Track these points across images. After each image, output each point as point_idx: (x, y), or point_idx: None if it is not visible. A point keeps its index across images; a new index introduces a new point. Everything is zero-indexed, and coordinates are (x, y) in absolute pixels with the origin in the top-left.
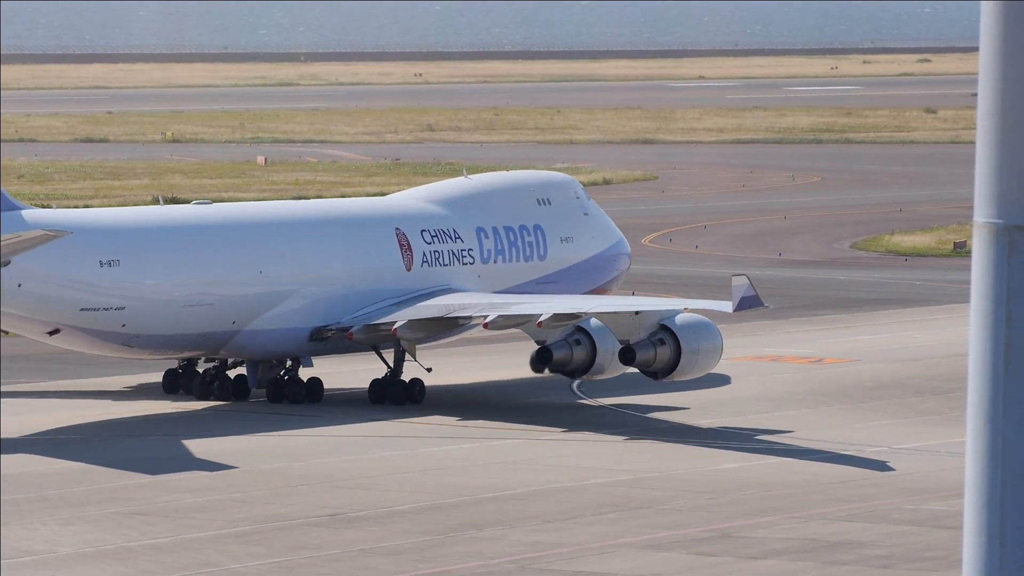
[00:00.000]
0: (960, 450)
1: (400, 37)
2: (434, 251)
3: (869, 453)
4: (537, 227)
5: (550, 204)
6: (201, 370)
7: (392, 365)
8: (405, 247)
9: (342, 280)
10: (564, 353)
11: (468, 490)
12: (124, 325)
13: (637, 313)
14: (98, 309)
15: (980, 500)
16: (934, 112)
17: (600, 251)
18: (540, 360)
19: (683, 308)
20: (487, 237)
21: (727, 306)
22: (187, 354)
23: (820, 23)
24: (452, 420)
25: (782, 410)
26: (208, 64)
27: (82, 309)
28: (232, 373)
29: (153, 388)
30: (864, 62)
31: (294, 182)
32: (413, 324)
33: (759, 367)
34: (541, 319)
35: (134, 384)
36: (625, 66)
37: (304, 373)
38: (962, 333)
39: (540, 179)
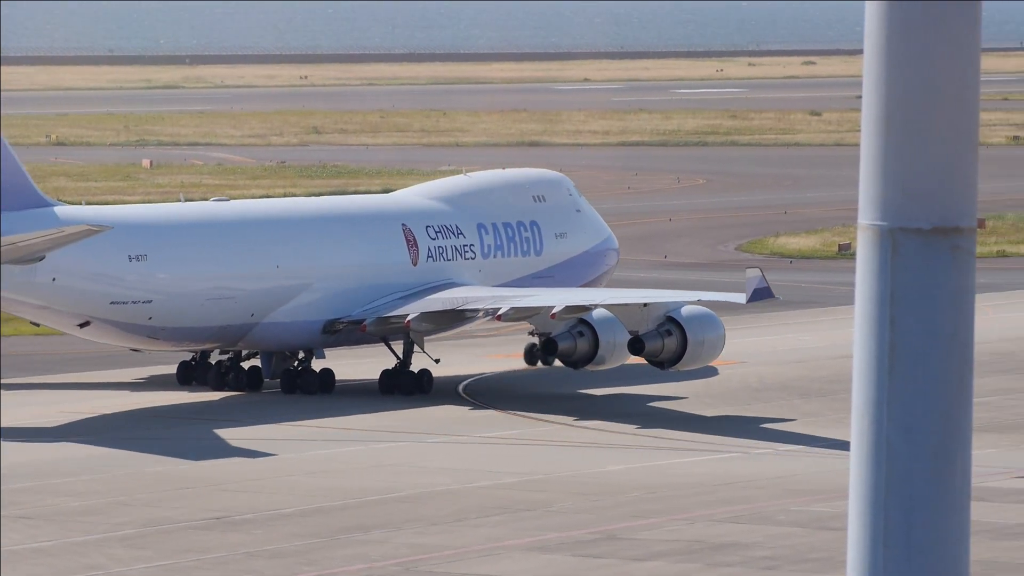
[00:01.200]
0: (844, 452)
1: (285, 40)
2: (438, 246)
3: (754, 455)
4: (533, 223)
5: (545, 201)
6: (214, 362)
7: (401, 356)
8: (411, 242)
9: (353, 274)
10: (568, 344)
11: (354, 493)
12: (151, 318)
13: (645, 305)
14: (127, 302)
15: (864, 502)
16: (819, 115)
17: (591, 247)
18: (546, 351)
19: (696, 300)
20: (487, 233)
21: (740, 298)
22: (207, 346)
23: (705, 25)
24: (334, 423)
25: (659, 410)
26: (93, 67)
27: (112, 302)
28: (246, 364)
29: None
30: (749, 64)
31: (179, 185)
32: (425, 316)
33: (646, 369)
34: (555, 311)
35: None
36: (511, 68)
37: (310, 364)
38: (847, 335)
39: (535, 176)
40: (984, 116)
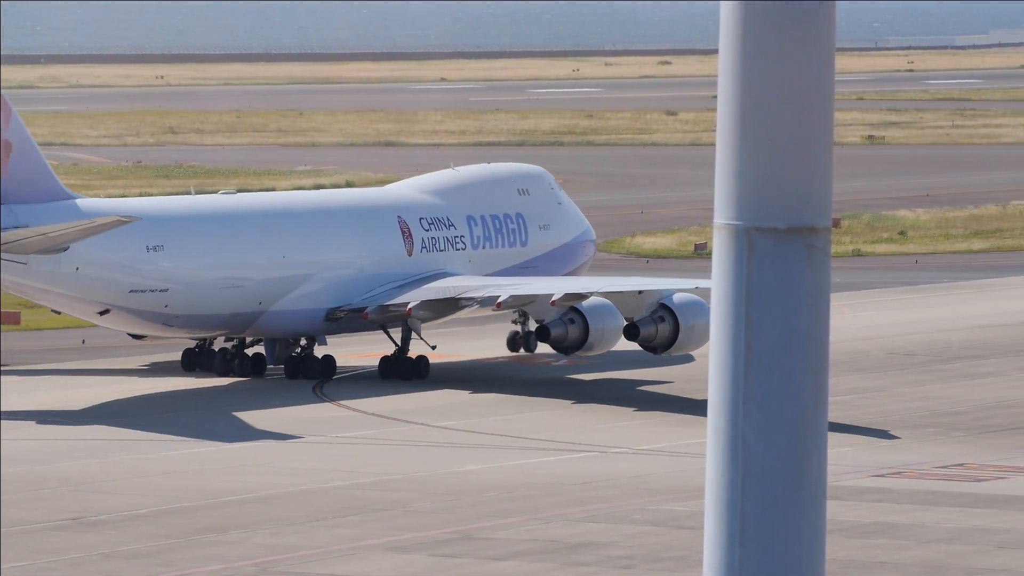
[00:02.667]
0: (701, 451)
1: (141, 39)
2: (431, 238)
3: (611, 454)
4: (519, 215)
5: (529, 194)
6: (217, 348)
7: (400, 343)
8: (406, 234)
9: (354, 264)
10: (560, 331)
11: (210, 493)
12: (167, 306)
13: (640, 293)
14: (145, 291)
15: (720, 501)
16: (675, 114)
17: (572, 238)
18: (539, 337)
19: (693, 287)
20: (476, 225)
21: None
22: (218, 332)
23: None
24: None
25: (525, 411)
26: None
27: (131, 291)
28: (250, 351)
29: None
30: (606, 64)
31: None
32: (425, 304)
33: (502, 367)
34: (554, 298)
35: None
36: (367, 68)
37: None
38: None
39: (519, 171)
40: (839, 116)
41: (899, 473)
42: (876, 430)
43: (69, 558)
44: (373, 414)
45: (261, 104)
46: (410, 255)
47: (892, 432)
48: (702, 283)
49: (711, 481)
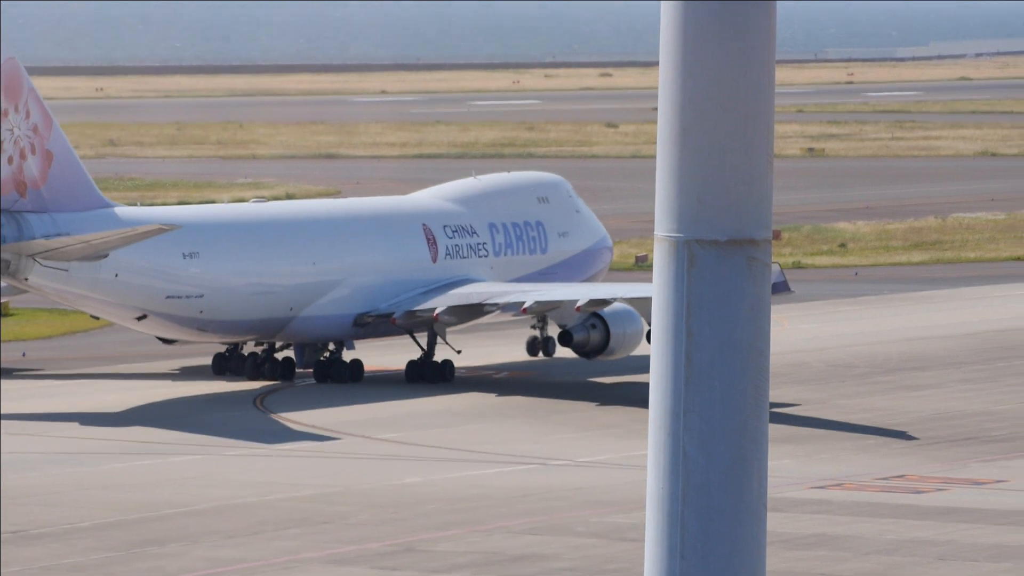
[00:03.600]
0: (642, 463)
1: (81, 51)
2: (455, 245)
3: (553, 466)
4: (539, 223)
5: (548, 202)
6: (247, 353)
7: (426, 347)
8: (431, 241)
9: (381, 270)
10: (583, 336)
11: (151, 506)
12: (201, 311)
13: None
14: (181, 297)
15: (662, 513)
16: (615, 126)
17: (590, 245)
18: (562, 342)
19: None
20: (498, 232)
21: None
22: (249, 337)
23: (503, 36)
24: (127, 435)
25: (465, 424)
26: None
27: (168, 296)
28: (279, 355)
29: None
30: (546, 76)
31: None
32: (451, 310)
33: (431, 384)
34: (579, 304)
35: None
36: (308, 80)
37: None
38: (643, 347)
39: (539, 179)
40: (779, 128)
41: (839, 485)
42: (818, 441)
43: (9, 571)
44: (314, 426)
45: (202, 116)
46: (435, 262)
47: (835, 443)
48: None
49: (652, 493)
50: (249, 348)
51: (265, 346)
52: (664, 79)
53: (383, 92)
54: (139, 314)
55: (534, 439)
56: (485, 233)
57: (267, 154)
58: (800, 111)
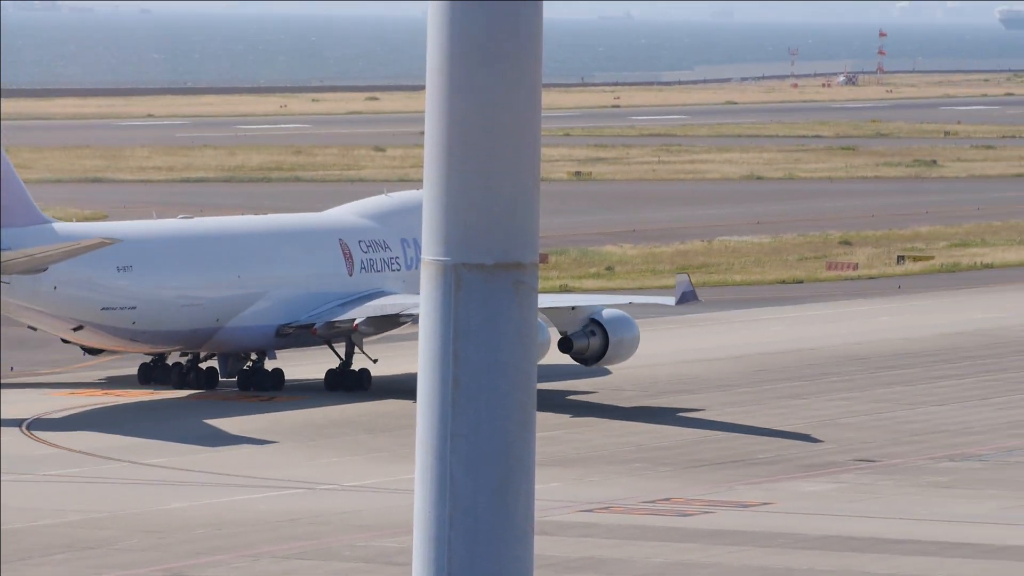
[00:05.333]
0: (409, 487)
1: None
2: (369, 259)
3: (319, 490)
4: None
5: None
6: (171, 363)
7: (344, 357)
8: (347, 256)
9: (301, 284)
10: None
11: None
12: (134, 322)
13: (573, 308)
14: (115, 308)
15: (429, 536)
16: (383, 150)
17: None
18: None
19: (627, 303)
20: (409, 247)
21: (670, 300)
22: (178, 347)
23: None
24: None
25: (228, 446)
26: None
27: (103, 308)
28: (204, 365)
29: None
30: (313, 100)
31: None
32: (370, 321)
33: (205, 405)
34: None
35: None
36: (74, 104)
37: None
38: (412, 369)
39: None
40: (546, 152)
41: (607, 508)
42: (585, 464)
43: None
44: (81, 451)
45: None
46: (351, 275)
47: (603, 466)
48: (636, 299)
49: (420, 516)
50: (173, 358)
51: (190, 356)
52: (430, 103)
53: (149, 116)
54: (76, 325)
55: (302, 463)
56: (397, 248)
57: (33, 178)
58: (567, 135)
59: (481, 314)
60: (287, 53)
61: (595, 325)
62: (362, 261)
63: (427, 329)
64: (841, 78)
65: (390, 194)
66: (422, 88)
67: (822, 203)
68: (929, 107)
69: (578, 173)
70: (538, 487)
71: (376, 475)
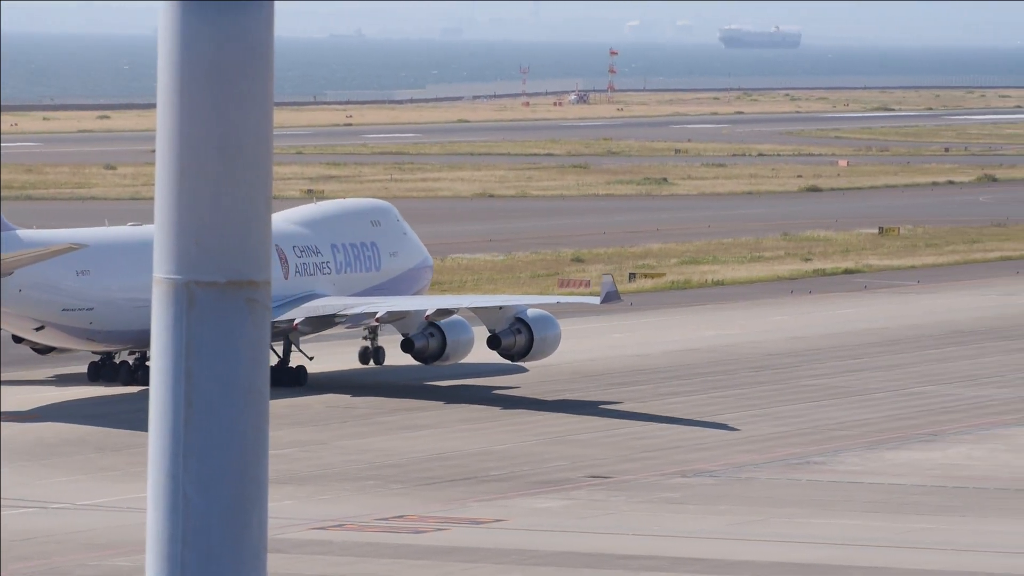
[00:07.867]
0: (142, 506)
1: None
2: (303, 263)
3: (52, 509)
4: (373, 244)
5: (380, 225)
6: (118, 361)
7: (282, 355)
8: (283, 260)
9: None
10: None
11: None
12: (91, 323)
13: (501, 308)
14: (75, 309)
15: (161, 556)
16: (114, 168)
17: (415, 264)
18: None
19: (555, 302)
20: (339, 252)
21: (595, 300)
22: (131, 347)
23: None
24: None
25: None
26: None
27: (63, 309)
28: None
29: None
30: (44, 119)
31: None
32: (308, 321)
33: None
34: (428, 313)
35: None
36: None
37: None
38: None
39: (370, 205)
40: (278, 170)
41: (340, 526)
42: (318, 482)
43: None
44: None
45: None
46: (286, 278)
47: (335, 484)
48: (563, 299)
49: (152, 535)
50: (121, 357)
51: (137, 355)
52: (161, 121)
53: None
54: (38, 325)
55: (33, 483)
56: (328, 252)
57: None
58: (299, 153)
59: (214, 332)
60: (15, 72)
61: (521, 323)
62: (296, 265)
63: (159, 347)
64: (572, 96)
65: (319, 202)
66: (154, 107)
67: (554, 220)
68: (660, 125)
69: (310, 191)
70: (272, 505)
71: (107, 494)
